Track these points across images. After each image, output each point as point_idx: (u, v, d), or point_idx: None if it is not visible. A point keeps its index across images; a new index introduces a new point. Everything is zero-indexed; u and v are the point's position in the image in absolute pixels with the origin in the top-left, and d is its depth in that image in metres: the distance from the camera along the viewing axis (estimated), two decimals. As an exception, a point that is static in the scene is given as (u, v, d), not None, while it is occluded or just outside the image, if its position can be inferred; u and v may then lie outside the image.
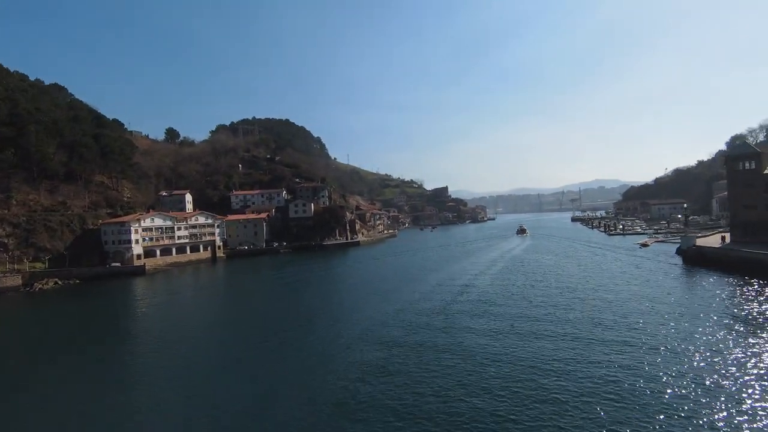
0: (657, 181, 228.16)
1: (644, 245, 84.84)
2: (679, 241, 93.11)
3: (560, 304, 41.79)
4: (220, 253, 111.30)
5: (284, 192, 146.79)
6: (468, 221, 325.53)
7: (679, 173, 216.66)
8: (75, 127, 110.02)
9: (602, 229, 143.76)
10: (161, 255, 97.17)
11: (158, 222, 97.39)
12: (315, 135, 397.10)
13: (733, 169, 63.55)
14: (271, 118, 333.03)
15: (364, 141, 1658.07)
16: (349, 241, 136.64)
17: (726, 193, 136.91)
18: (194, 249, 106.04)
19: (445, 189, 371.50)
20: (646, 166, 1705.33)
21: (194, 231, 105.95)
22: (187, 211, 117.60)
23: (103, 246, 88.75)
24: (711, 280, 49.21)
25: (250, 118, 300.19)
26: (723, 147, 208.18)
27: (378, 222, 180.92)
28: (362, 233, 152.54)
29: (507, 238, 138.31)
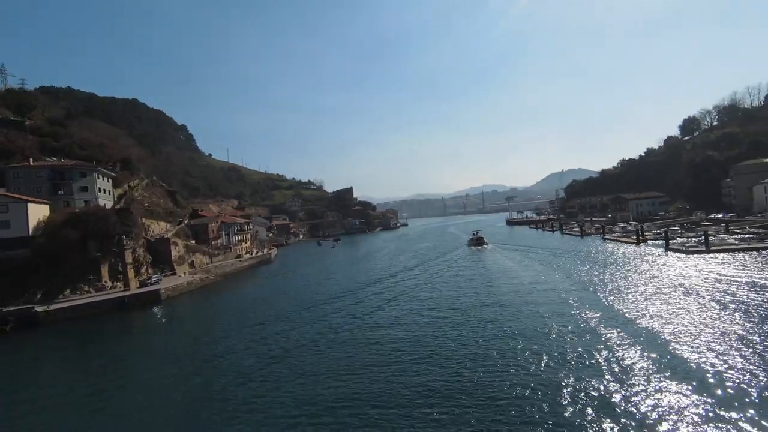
0: (603, 172, 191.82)
1: None
2: None
3: None
4: None
5: (-24, 178, 60.46)
6: (379, 228, 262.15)
7: (628, 164, 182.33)
8: None
9: (627, 238, 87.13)
10: None
11: None
12: (179, 123, 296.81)
13: None
14: (114, 97, 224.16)
15: (258, 142, 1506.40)
16: (138, 291, 56.68)
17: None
18: None
19: (350, 190, 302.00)
20: (529, 170, 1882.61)
21: None
22: None
23: None
24: None
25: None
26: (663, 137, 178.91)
27: (239, 239, 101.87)
28: (189, 264, 73.00)
29: (478, 259, 73.17)
